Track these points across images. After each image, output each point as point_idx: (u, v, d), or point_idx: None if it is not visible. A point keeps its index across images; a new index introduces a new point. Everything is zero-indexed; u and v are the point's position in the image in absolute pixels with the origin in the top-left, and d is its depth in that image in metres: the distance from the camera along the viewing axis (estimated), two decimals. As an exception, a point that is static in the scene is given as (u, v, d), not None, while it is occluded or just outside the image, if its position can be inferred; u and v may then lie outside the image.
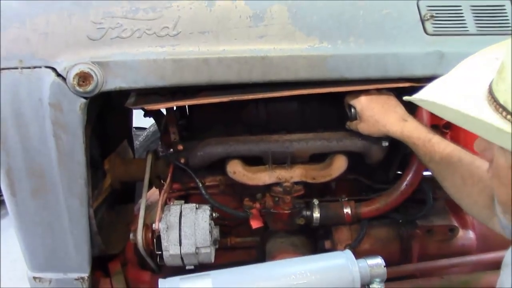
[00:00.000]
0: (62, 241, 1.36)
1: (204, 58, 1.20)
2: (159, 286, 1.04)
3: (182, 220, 1.34)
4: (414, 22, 1.26)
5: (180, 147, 1.43)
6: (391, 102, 1.31)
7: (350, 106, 1.35)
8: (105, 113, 1.53)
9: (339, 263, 1.07)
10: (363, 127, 1.33)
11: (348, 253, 1.09)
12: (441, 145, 1.21)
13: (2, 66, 1.16)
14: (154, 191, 1.68)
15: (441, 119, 1.47)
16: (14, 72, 1.17)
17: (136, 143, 2.47)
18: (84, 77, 1.16)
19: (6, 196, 1.33)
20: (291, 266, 1.07)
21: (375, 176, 1.55)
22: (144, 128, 2.70)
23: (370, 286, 1.08)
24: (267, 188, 1.44)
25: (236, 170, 1.41)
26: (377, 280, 1.08)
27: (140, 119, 2.13)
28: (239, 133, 1.46)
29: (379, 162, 1.45)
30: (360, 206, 1.48)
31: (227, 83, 1.24)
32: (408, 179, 1.42)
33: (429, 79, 1.27)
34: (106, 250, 1.49)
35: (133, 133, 1.94)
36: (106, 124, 1.60)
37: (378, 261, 1.09)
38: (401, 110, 1.30)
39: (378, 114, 1.29)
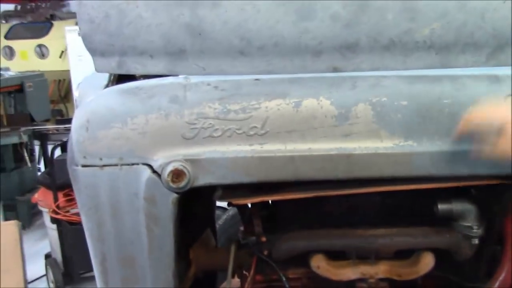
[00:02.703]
0: (148, 330, 1.39)
1: (290, 156, 1.24)
2: None
3: (265, 314, 1.35)
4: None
5: (263, 239, 1.46)
6: None
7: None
8: (192, 204, 1.59)
9: None
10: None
11: None
12: None
13: (104, 163, 1.26)
14: (235, 280, 1.69)
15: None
16: (114, 168, 1.26)
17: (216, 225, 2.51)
18: (177, 174, 1.23)
19: (98, 283, 1.39)
20: None
21: (464, 273, 1.49)
22: (224, 208, 2.75)
23: None
24: (351, 283, 1.42)
25: (320, 264, 1.41)
26: None
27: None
28: (322, 226, 1.46)
29: (468, 259, 1.40)
30: (449, 306, 1.42)
31: (312, 180, 1.26)
32: (500, 279, 1.36)
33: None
34: None
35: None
36: (191, 215, 1.66)
37: None
38: None
39: None
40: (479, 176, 1.25)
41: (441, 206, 1.33)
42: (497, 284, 1.36)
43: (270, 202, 1.58)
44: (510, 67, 1.26)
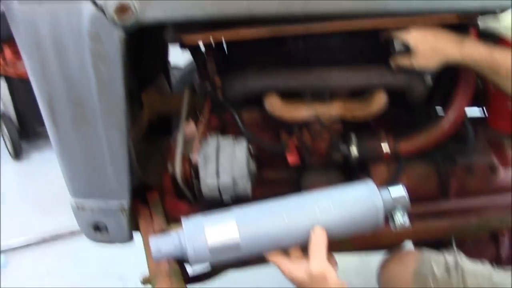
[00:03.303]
0: (102, 170, 1.39)
1: (244, -12, 1.16)
2: (183, 225, 1.06)
3: (219, 152, 1.36)
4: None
5: (217, 80, 1.43)
6: (443, 31, 1.28)
7: (395, 42, 1.30)
8: (142, 46, 1.52)
9: (362, 193, 1.08)
10: (418, 60, 1.29)
11: (371, 183, 1.09)
12: (505, 58, 1.19)
13: (41, -5, 1.15)
14: (190, 123, 1.69)
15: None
16: (53, 3, 1.16)
17: (173, 81, 2.46)
18: (122, 8, 1.14)
19: (48, 125, 1.36)
20: (314, 199, 1.08)
21: (416, 111, 1.52)
22: (180, 67, 2.69)
23: (393, 216, 1.09)
24: (305, 123, 1.43)
25: (274, 104, 1.40)
26: (400, 209, 1.08)
27: (176, 58, 2.12)
28: (278, 67, 1.43)
29: (420, 99, 1.42)
30: (399, 142, 1.46)
31: (267, 15, 1.20)
32: (450, 116, 1.39)
33: (478, 12, 1.24)
34: (144, 180, 1.53)
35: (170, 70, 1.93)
36: (143, 57, 1.60)
37: (400, 189, 1.09)
38: (455, 35, 1.27)
39: (434, 43, 1.26)
40: (436, 12, 1.22)
41: (397, 43, 1.30)
42: (448, 121, 1.40)
43: (224, 44, 1.53)
44: None
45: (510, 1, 1.21)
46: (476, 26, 1.29)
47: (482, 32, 1.34)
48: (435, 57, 1.27)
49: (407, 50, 1.29)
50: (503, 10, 1.30)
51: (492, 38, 1.41)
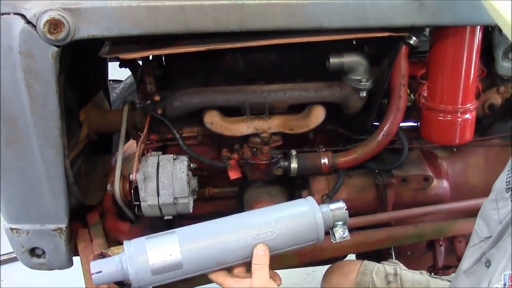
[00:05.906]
0: (38, 192, 1.34)
1: (180, 5, 1.16)
2: (124, 247, 1.03)
3: (159, 170, 1.34)
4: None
5: (157, 97, 1.42)
6: None
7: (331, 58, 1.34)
8: (80, 63, 1.49)
9: (303, 210, 1.09)
10: None
11: (311, 199, 1.11)
12: None
13: (-32, 11, 1.11)
14: (132, 143, 1.66)
15: (419, 69, 1.47)
16: (-19, 18, 1.13)
17: (113, 95, 2.43)
18: (55, 24, 1.12)
19: (-21, 146, 1.30)
20: (256, 217, 1.09)
21: (353, 126, 1.55)
22: (121, 81, 2.66)
23: (334, 230, 1.10)
24: (245, 139, 1.44)
25: (214, 120, 1.40)
26: (340, 223, 1.10)
27: (116, 72, 2.09)
28: (217, 84, 1.44)
29: (356, 112, 1.46)
30: (337, 156, 1.49)
31: (204, 31, 1.21)
32: (385, 129, 1.43)
33: (408, 28, 1.29)
34: (84, 201, 1.48)
35: (109, 85, 1.90)
36: (81, 74, 1.57)
37: (340, 205, 1.11)
38: None
39: None
40: (369, 29, 1.26)
41: (333, 60, 1.34)
42: (381, 134, 1.44)
43: (163, 60, 1.52)
44: None
45: (437, 19, 1.25)
46: (407, 43, 1.34)
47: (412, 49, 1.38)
48: None
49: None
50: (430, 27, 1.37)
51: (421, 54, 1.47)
